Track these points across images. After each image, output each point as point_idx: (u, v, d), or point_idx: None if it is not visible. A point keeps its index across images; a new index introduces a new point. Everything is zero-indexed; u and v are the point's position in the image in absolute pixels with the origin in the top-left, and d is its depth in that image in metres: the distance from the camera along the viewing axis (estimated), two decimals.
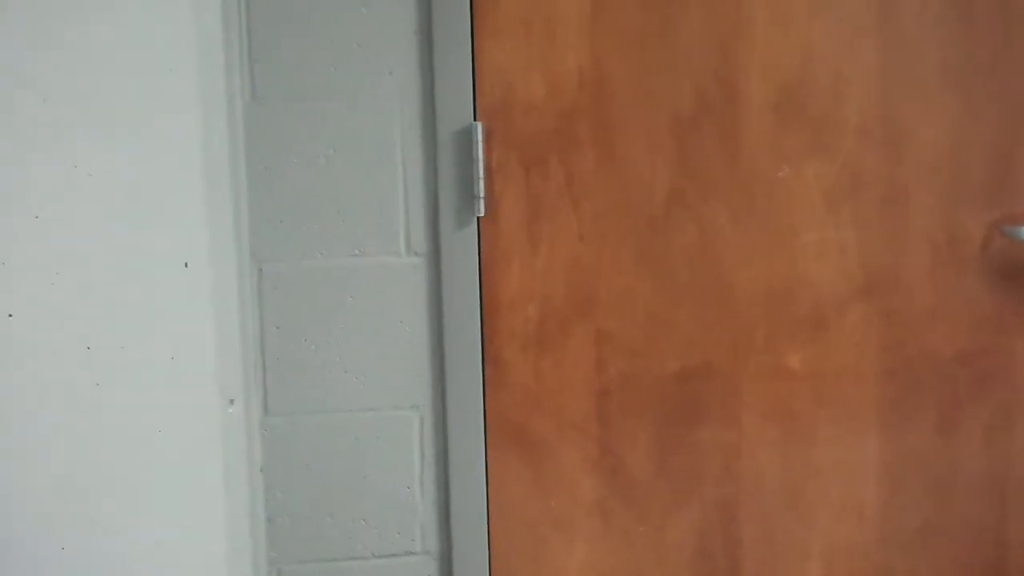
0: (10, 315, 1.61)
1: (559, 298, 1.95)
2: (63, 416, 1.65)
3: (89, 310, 1.64)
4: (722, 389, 1.99)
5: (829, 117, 1.94)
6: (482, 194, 1.89)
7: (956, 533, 2.05)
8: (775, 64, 1.92)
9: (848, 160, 1.95)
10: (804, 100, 1.93)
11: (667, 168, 1.93)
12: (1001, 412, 2.02)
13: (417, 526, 1.96)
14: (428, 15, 1.86)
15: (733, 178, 1.94)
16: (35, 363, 1.63)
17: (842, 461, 2.01)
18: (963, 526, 2.05)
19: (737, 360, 1.98)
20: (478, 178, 1.89)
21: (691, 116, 1.93)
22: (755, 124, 1.93)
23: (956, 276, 1.99)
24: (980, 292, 1.99)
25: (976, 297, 1.99)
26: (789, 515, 2.02)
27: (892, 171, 1.96)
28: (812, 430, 2.00)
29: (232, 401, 1.79)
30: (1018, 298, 2.00)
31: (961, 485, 2.04)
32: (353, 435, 1.93)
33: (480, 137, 1.88)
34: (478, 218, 1.91)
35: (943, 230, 1.98)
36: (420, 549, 1.97)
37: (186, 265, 1.68)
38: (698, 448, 2.00)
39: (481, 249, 1.92)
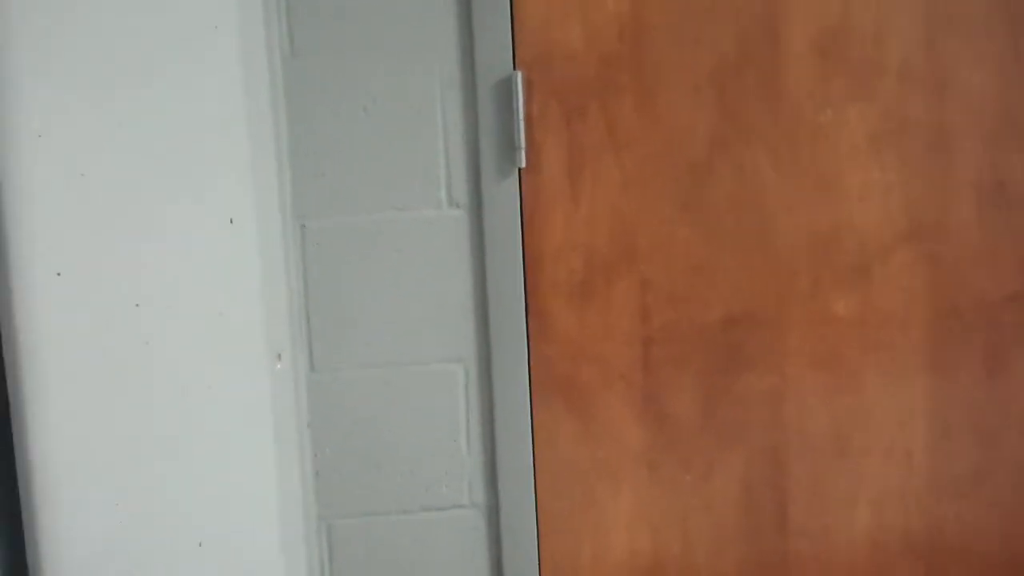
0: (58, 274, 1.61)
1: (602, 247, 1.94)
2: (113, 375, 1.65)
3: (137, 268, 1.63)
4: (767, 336, 1.98)
5: (872, 60, 1.92)
6: (523, 144, 1.88)
7: (1005, 477, 2.04)
8: (817, 7, 1.90)
9: (892, 103, 1.93)
10: (847, 43, 1.91)
11: (709, 114, 1.91)
12: None
13: (464, 479, 1.96)
14: None
15: (775, 123, 1.92)
16: (84, 322, 1.63)
17: (889, 407, 2.00)
18: (1012, 470, 2.04)
19: (782, 307, 1.97)
20: (519, 128, 1.87)
21: (732, 61, 1.91)
22: (797, 68, 1.91)
23: (1002, 218, 1.97)
24: None
25: (1023, 239, 1.97)
26: (836, 462, 2.02)
27: (937, 113, 1.93)
28: (858, 376, 1.99)
29: (280, 356, 1.79)
30: None
31: (1009, 428, 2.03)
32: (399, 389, 1.93)
33: (520, 87, 1.86)
34: (519, 169, 1.90)
35: (989, 172, 1.96)
36: (468, 502, 1.97)
37: (231, 221, 1.68)
38: (743, 396, 1.99)
39: (523, 200, 1.91)
